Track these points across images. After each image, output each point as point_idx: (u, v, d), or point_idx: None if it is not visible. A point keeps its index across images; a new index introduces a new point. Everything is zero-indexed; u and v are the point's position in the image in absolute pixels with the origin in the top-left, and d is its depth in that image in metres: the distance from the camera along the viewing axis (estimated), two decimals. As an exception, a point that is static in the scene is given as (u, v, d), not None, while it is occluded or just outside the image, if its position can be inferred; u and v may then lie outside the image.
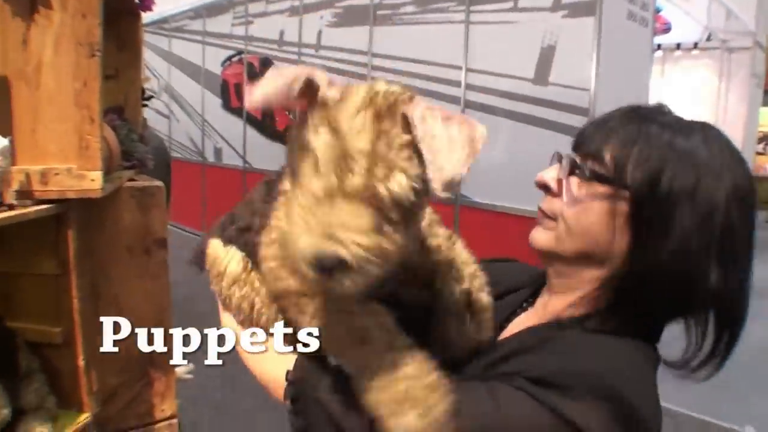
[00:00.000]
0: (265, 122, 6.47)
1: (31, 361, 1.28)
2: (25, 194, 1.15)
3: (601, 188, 0.79)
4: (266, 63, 6.43)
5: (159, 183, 1.54)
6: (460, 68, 4.20)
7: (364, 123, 0.60)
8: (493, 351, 0.85)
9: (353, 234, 0.57)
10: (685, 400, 3.84)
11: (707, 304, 0.79)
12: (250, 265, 0.87)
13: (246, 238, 0.87)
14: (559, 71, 3.71)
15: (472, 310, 0.87)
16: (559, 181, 0.83)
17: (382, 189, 0.59)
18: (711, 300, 0.78)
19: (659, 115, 0.82)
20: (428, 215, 0.85)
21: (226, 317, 0.90)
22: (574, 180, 0.81)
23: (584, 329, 0.80)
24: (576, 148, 0.85)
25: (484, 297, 0.89)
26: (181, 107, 7.88)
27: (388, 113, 0.61)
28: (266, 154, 6.35)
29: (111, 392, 1.54)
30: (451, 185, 0.58)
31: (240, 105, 6.79)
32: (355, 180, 0.58)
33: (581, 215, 0.80)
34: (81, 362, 1.28)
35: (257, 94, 0.62)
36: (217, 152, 7.26)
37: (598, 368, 0.71)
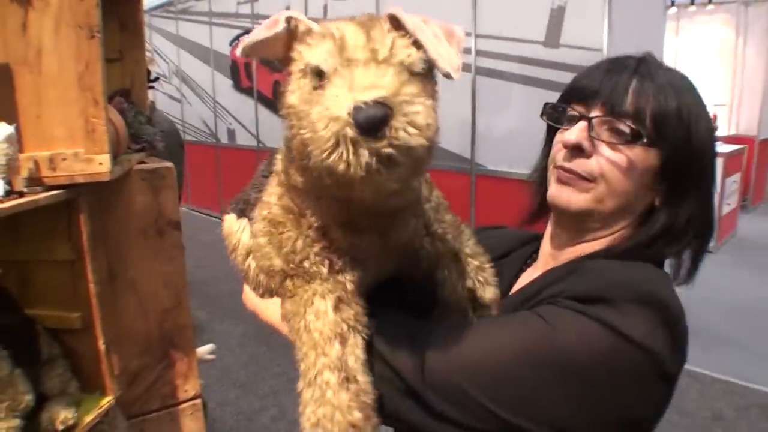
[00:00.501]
0: (276, 101, 6.45)
1: (52, 347, 1.29)
2: (35, 181, 1.15)
3: (641, 148, 0.83)
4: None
5: (169, 164, 1.54)
6: (469, 34, 4.13)
7: (352, 27, 0.61)
8: (513, 300, 0.87)
9: (387, 86, 0.54)
10: (710, 363, 3.82)
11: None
12: None
13: (249, 211, 0.85)
14: (570, 32, 3.64)
15: (475, 305, 0.86)
16: (591, 141, 0.85)
17: (393, 59, 0.58)
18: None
19: (659, 65, 0.87)
20: (435, 198, 0.82)
21: (248, 290, 0.89)
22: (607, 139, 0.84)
23: (607, 256, 0.85)
24: (583, 101, 0.87)
25: (490, 292, 0.86)
26: (192, 90, 7.87)
27: (372, 21, 0.62)
28: (279, 133, 6.33)
29: (133, 375, 1.55)
30: (455, 70, 0.60)
31: (251, 85, 6.76)
32: (366, 57, 0.58)
33: (625, 176, 0.83)
34: (101, 346, 1.28)
35: (241, 47, 0.63)
36: (231, 133, 7.27)
37: (632, 278, 0.75)
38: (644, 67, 0.85)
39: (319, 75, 0.60)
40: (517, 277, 0.99)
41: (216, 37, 7.25)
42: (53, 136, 1.17)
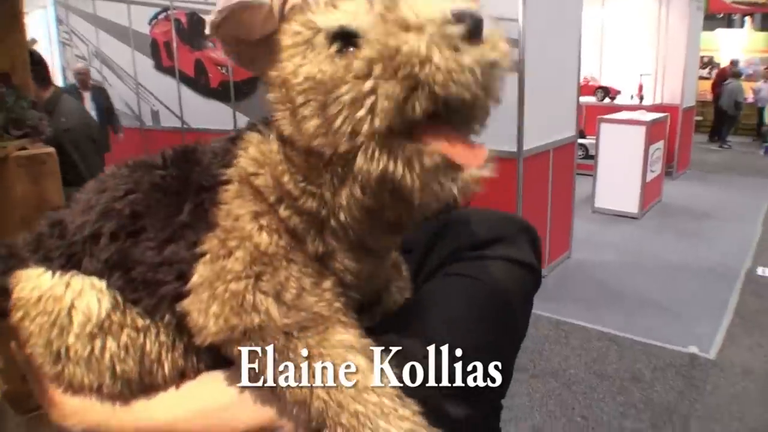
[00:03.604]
0: (199, 80, 6.30)
1: (-72, 345, 1.23)
2: None
3: None
4: (194, 18, 6.23)
5: (50, 149, 1.48)
6: (389, 9, 4.11)
7: None
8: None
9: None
10: (632, 326, 3.97)
11: None
12: (120, 297, 0.57)
13: (112, 254, 0.57)
14: (486, 3, 3.65)
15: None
16: None
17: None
18: None
19: None
20: None
21: (78, 406, 0.59)
22: None
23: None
24: None
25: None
26: (113, 71, 7.61)
27: None
28: (203, 113, 6.22)
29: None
30: None
31: (172, 64, 6.58)
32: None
33: None
34: (-21, 340, 1.23)
35: (215, 18, 0.51)
36: (155, 115, 7.07)
37: (500, 214, 0.84)
38: None
39: (342, 38, 0.49)
40: None
41: (135, 16, 7.02)
42: None
